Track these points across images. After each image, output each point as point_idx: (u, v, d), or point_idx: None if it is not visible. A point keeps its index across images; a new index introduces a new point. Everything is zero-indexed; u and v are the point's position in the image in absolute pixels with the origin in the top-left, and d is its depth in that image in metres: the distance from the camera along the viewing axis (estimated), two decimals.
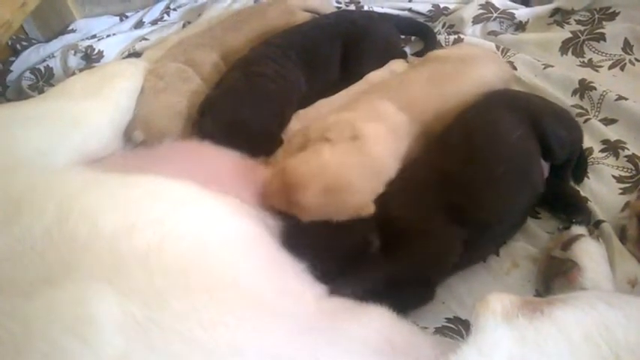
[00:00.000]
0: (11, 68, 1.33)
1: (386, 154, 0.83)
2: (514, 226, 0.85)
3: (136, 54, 1.31)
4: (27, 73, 1.31)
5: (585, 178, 0.94)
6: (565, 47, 1.20)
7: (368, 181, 0.80)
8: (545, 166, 0.88)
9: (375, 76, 1.08)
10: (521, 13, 1.29)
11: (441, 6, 1.34)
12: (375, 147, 0.82)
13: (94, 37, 1.40)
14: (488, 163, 0.80)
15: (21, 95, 1.28)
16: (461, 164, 0.81)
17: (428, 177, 0.81)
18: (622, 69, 1.13)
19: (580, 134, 0.92)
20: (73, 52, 1.33)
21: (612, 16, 1.22)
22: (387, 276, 0.76)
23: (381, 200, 0.79)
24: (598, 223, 0.86)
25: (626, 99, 1.02)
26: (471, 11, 1.29)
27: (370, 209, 0.78)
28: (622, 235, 0.84)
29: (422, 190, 0.80)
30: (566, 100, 1.07)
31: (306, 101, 1.06)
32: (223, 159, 0.86)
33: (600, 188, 0.92)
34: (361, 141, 0.82)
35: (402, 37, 1.28)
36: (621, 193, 0.90)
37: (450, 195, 0.78)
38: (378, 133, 0.84)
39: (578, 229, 0.83)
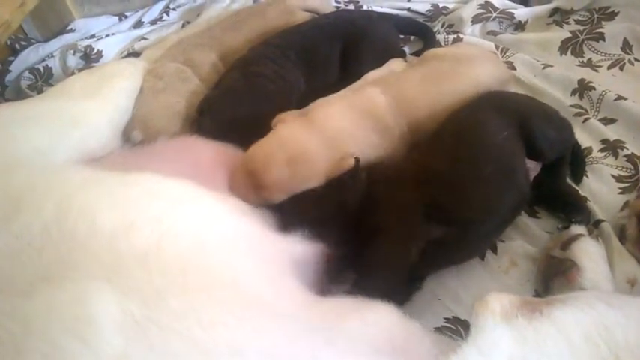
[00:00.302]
0: (10, 68, 1.33)
1: (342, 125, 0.87)
2: (500, 226, 0.85)
3: (135, 54, 1.31)
4: (26, 73, 1.32)
5: (584, 178, 0.94)
6: (564, 47, 1.20)
7: (325, 147, 0.83)
8: (535, 166, 0.88)
9: (373, 75, 1.08)
10: (521, 12, 1.29)
11: (440, 6, 1.34)
12: (326, 118, 0.87)
13: (93, 36, 1.40)
14: (474, 162, 0.81)
15: (20, 95, 1.28)
16: (447, 163, 0.82)
17: (414, 174, 0.82)
18: (621, 69, 1.13)
19: (570, 133, 0.92)
20: (72, 51, 1.33)
21: (611, 15, 1.22)
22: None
23: (367, 186, 0.81)
24: (597, 223, 0.86)
25: (625, 99, 1.02)
26: (470, 11, 1.29)
27: (349, 162, 0.81)
28: (621, 235, 0.83)
29: (405, 185, 0.81)
30: (565, 99, 1.07)
31: (305, 101, 1.05)
32: (213, 151, 0.87)
33: (599, 188, 0.92)
34: (310, 115, 0.87)
35: (401, 36, 1.28)
36: (620, 193, 0.90)
37: (434, 193, 0.79)
38: (330, 108, 0.89)
39: (577, 229, 0.83)
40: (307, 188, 0.81)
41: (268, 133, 0.86)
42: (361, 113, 0.89)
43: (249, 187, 0.80)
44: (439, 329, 0.77)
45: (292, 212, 0.79)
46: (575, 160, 0.94)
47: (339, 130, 0.86)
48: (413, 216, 0.78)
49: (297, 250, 0.72)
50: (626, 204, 0.87)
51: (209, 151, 0.87)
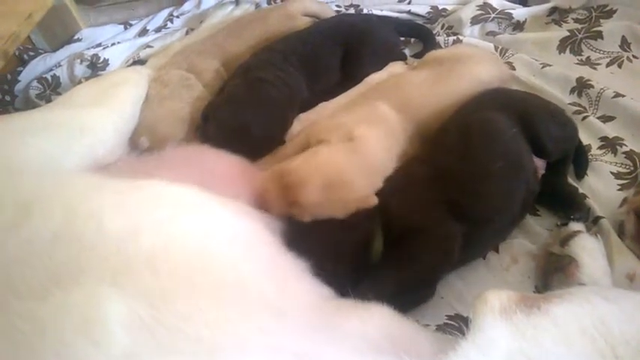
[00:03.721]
0: (19, 78, 1.36)
1: (380, 153, 0.86)
2: (511, 223, 0.86)
3: (140, 61, 1.33)
4: (34, 83, 1.34)
5: None
6: (563, 46, 1.21)
7: (364, 178, 0.83)
8: (542, 164, 0.89)
9: (374, 78, 1.10)
10: (519, 12, 1.30)
11: (440, 7, 1.36)
12: (369, 147, 0.86)
13: (99, 45, 1.43)
14: (483, 159, 0.82)
15: (29, 104, 1.31)
16: (457, 161, 0.83)
17: (426, 174, 0.83)
18: (620, 66, 1.14)
19: (574, 132, 0.93)
20: (79, 60, 1.35)
21: (609, 13, 1.23)
22: (391, 277, 0.77)
23: (381, 200, 0.81)
24: (596, 220, 0.87)
25: (623, 96, 1.03)
26: (469, 12, 1.31)
27: (372, 200, 0.80)
28: (620, 231, 0.84)
29: (420, 188, 0.82)
30: (564, 98, 1.08)
31: (308, 104, 1.07)
32: (223, 161, 0.88)
33: (599, 185, 0.93)
34: (356, 142, 0.85)
35: (402, 39, 1.29)
36: (619, 190, 0.91)
37: (447, 191, 0.80)
38: (371, 134, 0.87)
39: (576, 226, 0.84)
40: (335, 215, 0.80)
41: (312, 148, 0.86)
42: (390, 139, 0.90)
43: (282, 199, 0.80)
44: (441, 327, 0.79)
45: (305, 240, 0.78)
46: (579, 157, 0.95)
47: (379, 160, 0.86)
48: (440, 213, 0.79)
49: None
50: (624, 200, 0.88)
51: (222, 162, 0.87)
